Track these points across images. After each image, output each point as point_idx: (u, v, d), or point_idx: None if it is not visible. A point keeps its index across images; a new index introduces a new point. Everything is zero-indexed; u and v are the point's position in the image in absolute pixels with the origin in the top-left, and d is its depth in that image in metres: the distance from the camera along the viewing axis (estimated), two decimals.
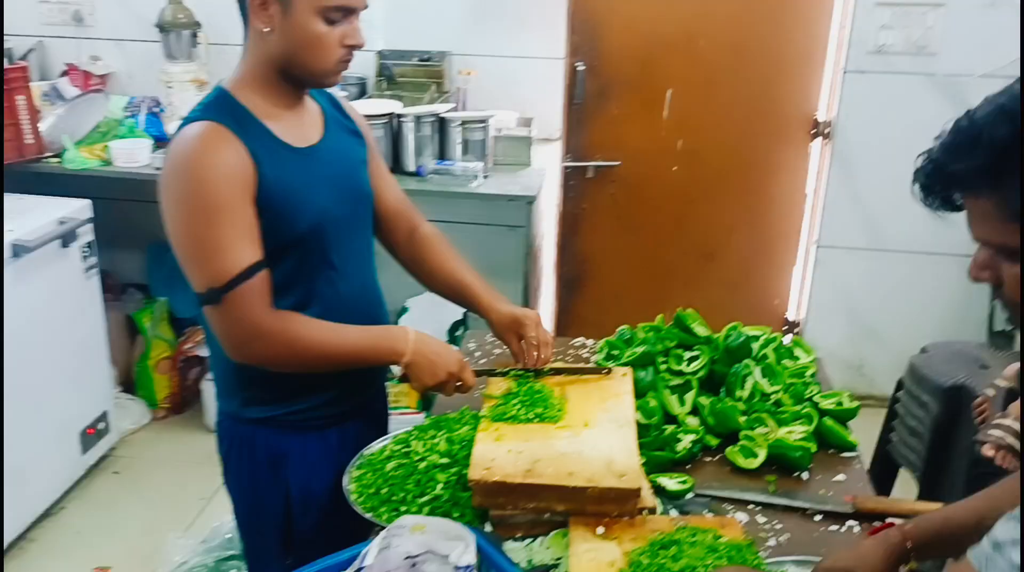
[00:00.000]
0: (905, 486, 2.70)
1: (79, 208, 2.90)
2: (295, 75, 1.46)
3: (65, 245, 2.82)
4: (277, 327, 1.42)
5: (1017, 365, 2.22)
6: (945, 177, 0.86)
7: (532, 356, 1.65)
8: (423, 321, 3.06)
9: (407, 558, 1.17)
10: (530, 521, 1.41)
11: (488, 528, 1.39)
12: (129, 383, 3.51)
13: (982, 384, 2.33)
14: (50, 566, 2.70)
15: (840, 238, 3.64)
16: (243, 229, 1.38)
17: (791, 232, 3.76)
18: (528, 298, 3.34)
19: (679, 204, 3.67)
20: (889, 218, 3.54)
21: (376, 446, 1.58)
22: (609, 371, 1.70)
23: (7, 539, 2.66)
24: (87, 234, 2.93)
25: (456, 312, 3.12)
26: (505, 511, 1.40)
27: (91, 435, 3.04)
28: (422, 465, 1.48)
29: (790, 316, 3.89)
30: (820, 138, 3.59)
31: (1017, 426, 1.93)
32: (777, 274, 3.83)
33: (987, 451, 1.93)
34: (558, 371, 1.68)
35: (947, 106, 3.34)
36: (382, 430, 1.74)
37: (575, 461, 1.40)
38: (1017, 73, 0.91)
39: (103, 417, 3.10)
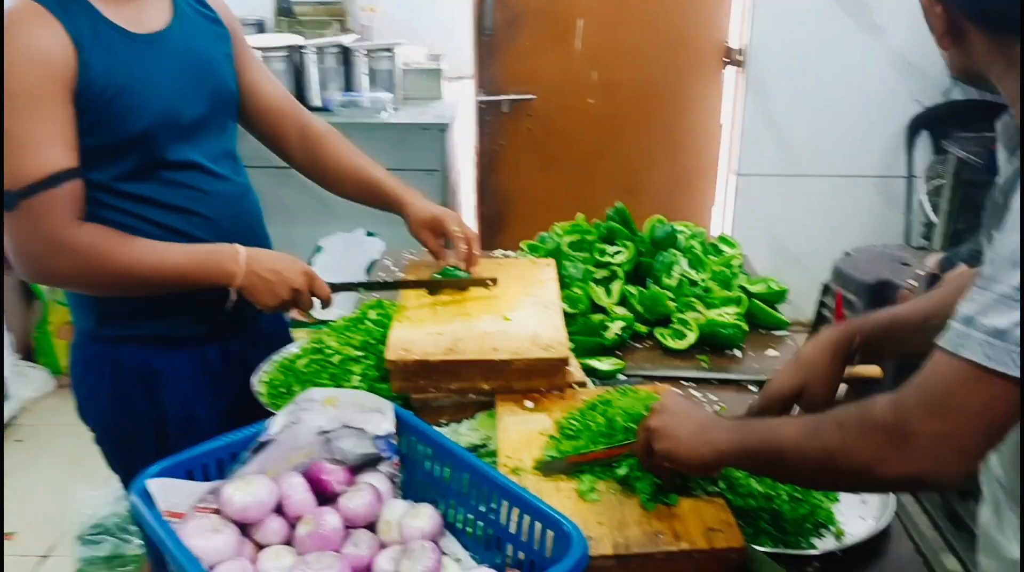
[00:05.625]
0: None
1: None
2: None
3: None
4: (84, 241, 1.23)
5: (938, 255, 2.23)
6: None
7: (461, 249, 1.51)
8: (338, 261, 2.93)
9: (320, 433, 1.06)
10: (455, 404, 1.32)
11: None
12: (29, 350, 3.28)
13: (905, 278, 2.34)
14: None
15: (758, 166, 3.63)
16: (53, 128, 1.20)
17: (710, 163, 3.74)
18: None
19: (597, 137, 3.60)
20: (805, 144, 3.55)
21: (290, 349, 1.47)
22: (495, 281, 1.50)
23: None
24: None
25: (373, 250, 3.00)
26: (427, 394, 1.31)
27: None
28: (336, 359, 1.38)
29: None
30: (733, 66, 3.57)
31: None
32: (699, 206, 3.81)
33: None
34: (435, 284, 1.49)
35: (853, 27, 3.36)
36: (275, 347, 1.51)
37: (499, 338, 1.32)
38: None
39: None
